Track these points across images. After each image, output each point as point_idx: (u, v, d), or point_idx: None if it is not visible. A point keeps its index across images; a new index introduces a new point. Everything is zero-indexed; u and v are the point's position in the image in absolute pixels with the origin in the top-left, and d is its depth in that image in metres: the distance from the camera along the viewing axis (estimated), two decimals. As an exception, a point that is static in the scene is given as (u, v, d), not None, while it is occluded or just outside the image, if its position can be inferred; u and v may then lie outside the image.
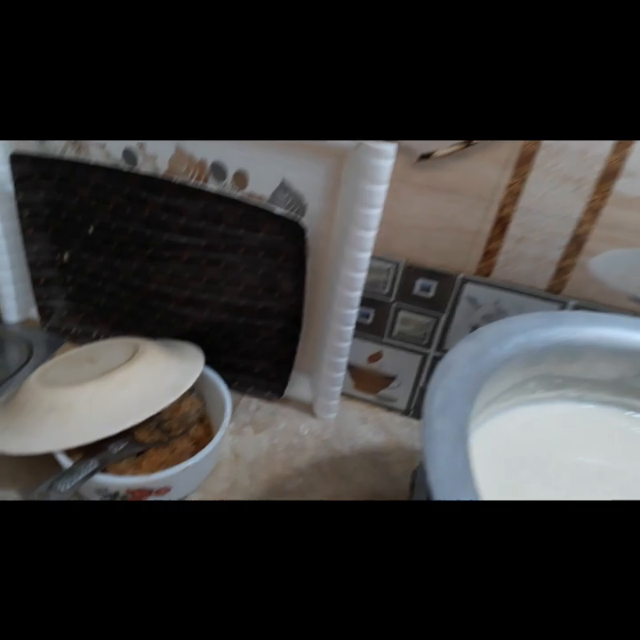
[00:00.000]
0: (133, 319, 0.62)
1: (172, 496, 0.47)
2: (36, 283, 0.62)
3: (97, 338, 0.64)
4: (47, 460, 0.44)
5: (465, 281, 0.51)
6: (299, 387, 0.61)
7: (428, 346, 0.55)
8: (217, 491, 0.50)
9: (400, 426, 0.60)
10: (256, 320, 0.57)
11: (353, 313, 0.51)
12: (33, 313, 0.66)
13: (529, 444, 0.39)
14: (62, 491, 0.40)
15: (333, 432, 0.58)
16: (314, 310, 0.57)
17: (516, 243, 0.48)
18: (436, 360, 0.56)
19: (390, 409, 0.61)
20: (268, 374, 0.60)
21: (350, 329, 0.52)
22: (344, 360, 0.55)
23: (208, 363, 0.55)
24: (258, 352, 0.60)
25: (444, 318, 0.53)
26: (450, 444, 0.28)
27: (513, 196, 0.46)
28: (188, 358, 0.55)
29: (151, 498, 0.45)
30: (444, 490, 0.25)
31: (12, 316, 0.66)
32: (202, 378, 0.54)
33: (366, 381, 0.60)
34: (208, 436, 0.52)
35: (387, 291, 0.53)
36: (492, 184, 0.46)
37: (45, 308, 0.64)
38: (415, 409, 0.60)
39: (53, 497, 0.39)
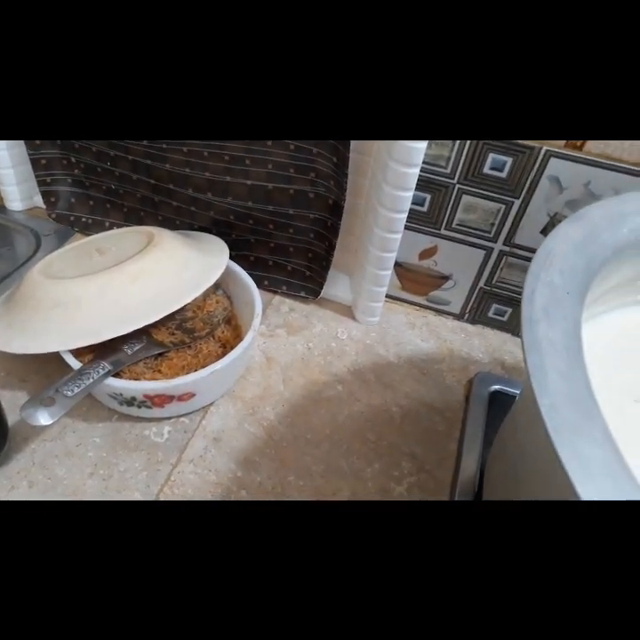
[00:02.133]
0: (149, 207, 0.55)
1: (197, 402, 0.42)
2: (35, 164, 0.54)
3: (110, 228, 0.57)
4: (58, 361, 0.39)
5: (549, 155, 0.41)
6: (337, 287, 0.54)
7: (494, 239, 0.46)
8: (248, 396, 0.44)
9: (453, 331, 0.52)
10: (288, 208, 0.49)
11: (406, 196, 0.42)
12: (38, 201, 0.59)
13: (632, 352, 0.31)
14: (69, 395, 0.35)
15: (376, 337, 0.51)
16: (357, 194, 0.48)
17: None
18: (502, 255, 0.47)
19: (441, 313, 0.54)
20: (303, 272, 0.53)
21: (402, 217, 0.43)
22: (392, 255, 0.46)
23: (235, 259, 0.48)
24: (291, 246, 0.52)
25: (517, 204, 0.44)
26: (562, 356, 0.20)
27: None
28: (211, 251, 0.48)
29: (173, 404, 0.40)
30: (561, 418, 0.18)
31: (16, 204, 0.58)
32: (228, 274, 0.47)
33: (415, 281, 0.52)
34: (236, 338, 0.46)
35: (449, 169, 0.44)
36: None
37: (50, 194, 0.56)
38: (472, 313, 0.52)
39: (60, 403, 0.34)
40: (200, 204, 0.52)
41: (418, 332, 0.52)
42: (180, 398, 0.40)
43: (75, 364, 0.38)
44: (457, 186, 0.44)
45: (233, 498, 0.38)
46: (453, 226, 0.47)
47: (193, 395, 0.40)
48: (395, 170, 0.40)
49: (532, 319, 0.22)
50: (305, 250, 0.52)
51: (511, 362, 0.50)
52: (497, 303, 0.51)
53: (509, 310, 0.51)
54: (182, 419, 0.42)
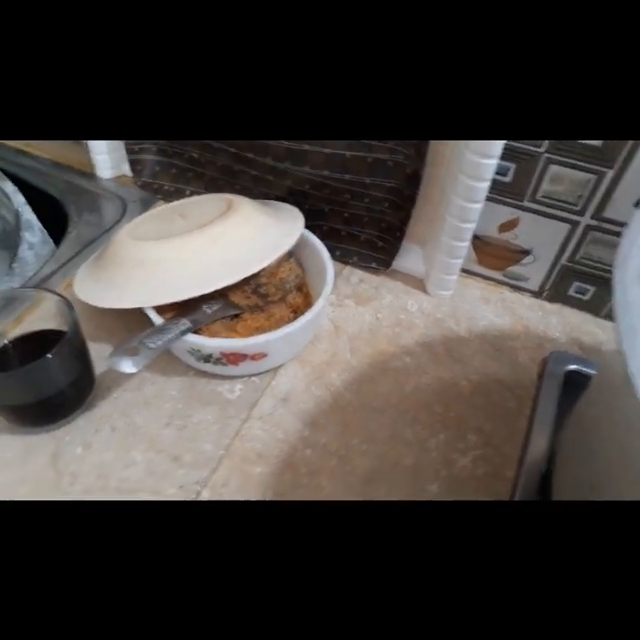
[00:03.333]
0: (228, 176, 0.56)
1: (268, 363, 0.43)
2: (126, 132, 0.57)
3: (190, 197, 0.59)
4: (142, 318, 0.41)
5: (650, 121, 0.38)
6: (408, 259, 0.53)
7: (582, 212, 0.44)
8: (316, 361, 0.45)
9: (529, 309, 0.50)
10: (365, 176, 0.49)
11: (490, 164, 0.40)
12: (126, 169, 0.62)
13: None
14: (152, 347, 0.37)
15: (448, 311, 0.50)
16: (437, 163, 0.46)
17: None
18: (588, 230, 0.45)
19: (518, 289, 0.52)
20: (375, 243, 0.53)
21: (484, 186, 0.42)
22: (471, 226, 0.45)
23: (308, 228, 0.48)
24: (365, 216, 0.52)
25: (610, 175, 0.41)
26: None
27: None
28: (287, 219, 0.49)
29: (246, 363, 0.41)
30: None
31: (106, 172, 0.62)
32: (302, 243, 0.47)
33: (493, 255, 0.51)
34: (307, 305, 0.47)
35: (536, 136, 0.42)
36: None
37: (137, 163, 0.59)
38: (551, 290, 0.50)
39: (143, 354, 0.36)
40: (278, 173, 0.52)
41: (492, 307, 0.50)
42: (253, 357, 0.41)
43: (157, 319, 0.40)
44: (545, 155, 0.42)
45: (298, 455, 0.39)
46: (538, 197, 0.45)
47: (265, 355, 0.41)
48: (478, 135, 0.39)
49: (625, 282, 0.21)
50: (379, 220, 0.51)
51: (589, 342, 0.47)
52: (578, 281, 0.48)
53: (592, 289, 0.48)
54: (253, 378, 0.44)
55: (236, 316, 0.43)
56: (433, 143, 0.44)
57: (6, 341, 0.39)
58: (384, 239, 0.52)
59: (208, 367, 0.42)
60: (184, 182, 0.59)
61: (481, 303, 0.51)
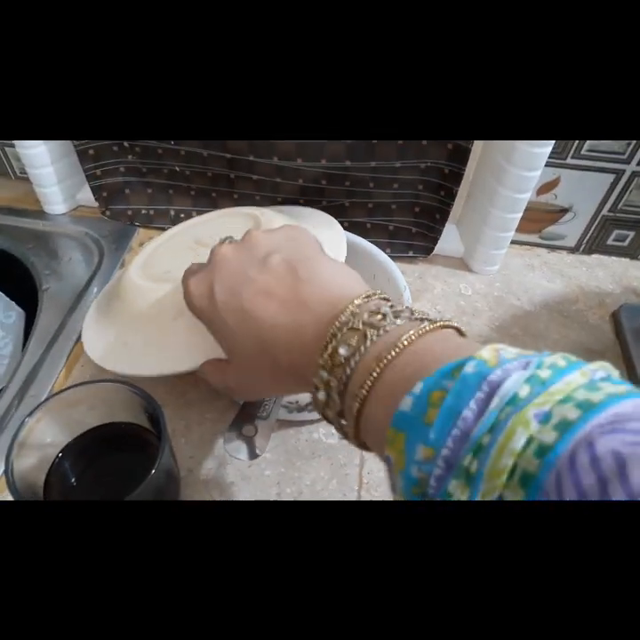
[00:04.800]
0: (222, 185, 0.48)
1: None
2: (83, 156, 0.46)
3: (177, 217, 0.50)
4: (189, 378, 0.34)
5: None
6: (444, 240, 0.49)
7: (629, 159, 0.43)
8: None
9: (572, 266, 0.49)
10: (394, 160, 0.44)
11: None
12: (82, 199, 0.51)
13: None
14: (265, 416, 0.30)
15: (502, 287, 0.48)
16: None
17: None
18: (634, 177, 0.44)
19: (554, 248, 0.50)
20: (409, 230, 0.48)
21: (546, 151, 0.39)
22: (526, 196, 0.42)
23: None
24: (393, 203, 0.47)
25: (661, 117, 0.40)
26: None
27: None
28: (321, 224, 0.43)
29: (347, 402, 0.36)
30: None
31: (58, 207, 0.51)
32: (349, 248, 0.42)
33: (529, 219, 0.48)
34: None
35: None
36: None
37: (101, 189, 0.49)
38: (588, 243, 0.49)
39: (261, 431, 0.29)
40: (287, 172, 0.46)
41: (540, 273, 0.49)
42: (355, 393, 0.36)
43: (246, 379, 0.33)
44: (591, 106, 0.40)
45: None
46: (582, 153, 0.43)
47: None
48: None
49: None
50: (410, 204, 0.47)
51: (641, 287, 0.48)
52: (619, 228, 0.48)
53: (631, 234, 0.48)
54: (346, 413, 0.38)
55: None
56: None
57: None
58: (420, 224, 0.48)
59: (300, 416, 0.36)
60: (165, 202, 0.50)
61: (528, 271, 0.49)
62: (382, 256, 0.41)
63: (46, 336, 0.41)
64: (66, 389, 0.29)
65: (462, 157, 0.42)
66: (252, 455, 0.28)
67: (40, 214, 0.51)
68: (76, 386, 0.29)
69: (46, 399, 0.28)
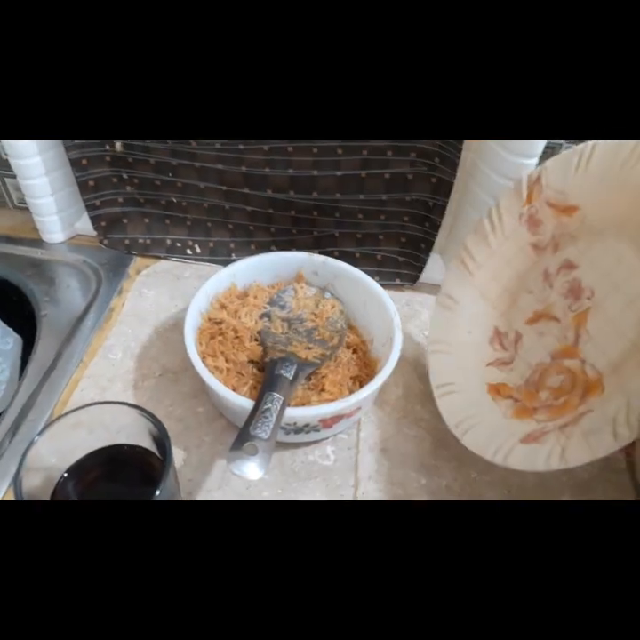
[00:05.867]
0: (218, 216, 0.50)
1: (358, 415, 0.39)
2: (83, 186, 0.48)
3: (173, 246, 0.52)
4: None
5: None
6: (430, 269, 0.52)
7: None
8: (391, 398, 0.42)
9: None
10: (382, 193, 0.46)
11: (530, 163, 0.40)
12: (80, 228, 0.53)
13: None
14: (264, 437, 0.31)
15: (485, 313, 0.50)
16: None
17: None
18: None
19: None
20: (395, 259, 0.51)
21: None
22: (505, 226, 0.45)
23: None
24: (380, 234, 0.49)
25: None
26: None
27: None
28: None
29: (341, 423, 0.37)
30: None
31: (57, 236, 0.52)
32: (335, 274, 0.44)
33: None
34: (363, 342, 0.43)
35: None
36: None
37: (100, 219, 0.51)
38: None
39: (263, 450, 0.30)
40: (279, 204, 0.48)
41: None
42: (349, 415, 0.37)
43: (246, 403, 0.34)
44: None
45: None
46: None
47: (359, 408, 0.38)
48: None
49: None
50: (397, 235, 0.49)
51: None
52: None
53: None
54: (340, 436, 0.40)
55: (313, 374, 0.39)
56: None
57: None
58: (406, 253, 0.50)
59: (297, 437, 0.37)
60: (162, 231, 0.52)
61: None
62: (373, 284, 0.43)
63: (45, 361, 0.42)
64: (72, 411, 0.30)
65: (446, 190, 0.44)
66: (255, 474, 0.30)
67: (38, 243, 0.52)
68: (80, 408, 0.30)
69: (54, 420, 0.29)
